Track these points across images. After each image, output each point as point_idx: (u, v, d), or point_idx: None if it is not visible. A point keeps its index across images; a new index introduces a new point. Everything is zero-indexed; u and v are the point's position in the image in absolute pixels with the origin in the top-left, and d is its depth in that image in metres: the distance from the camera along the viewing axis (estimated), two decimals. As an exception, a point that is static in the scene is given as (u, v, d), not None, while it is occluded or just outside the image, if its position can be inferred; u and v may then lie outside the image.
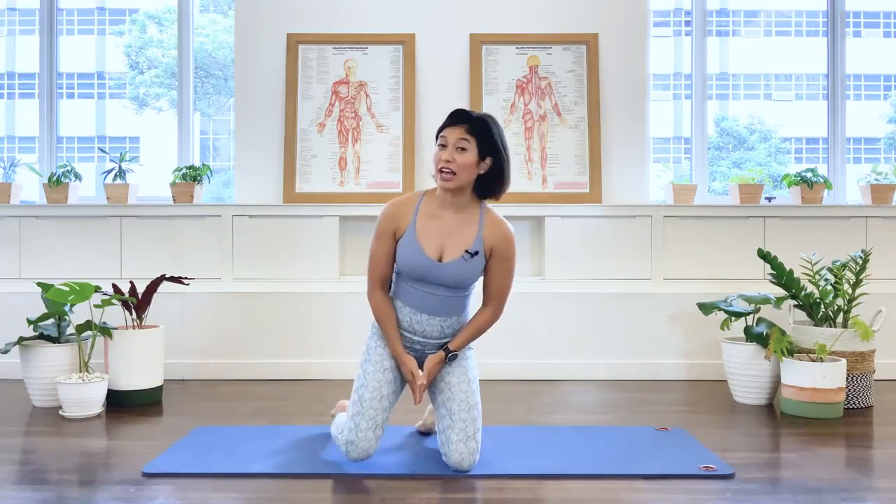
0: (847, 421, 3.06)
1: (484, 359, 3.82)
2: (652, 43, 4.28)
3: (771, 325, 3.33)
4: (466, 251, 2.33)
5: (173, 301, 3.82)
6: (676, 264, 3.98)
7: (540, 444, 2.63)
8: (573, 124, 4.15)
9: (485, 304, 2.45)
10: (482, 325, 2.44)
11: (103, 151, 4.36)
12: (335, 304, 3.87)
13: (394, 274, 2.46)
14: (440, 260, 2.34)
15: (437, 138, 2.36)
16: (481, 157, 2.33)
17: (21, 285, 3.87)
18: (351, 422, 2.34)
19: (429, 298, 2.37)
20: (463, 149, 2.30)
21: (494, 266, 2.39)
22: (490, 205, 2.48)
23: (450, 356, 2.39)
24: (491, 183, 2.40)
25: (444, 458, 2.35)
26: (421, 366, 2.42)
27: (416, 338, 2.42)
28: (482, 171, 2.36)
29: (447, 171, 2.31)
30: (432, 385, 2.42)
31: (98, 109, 5.13)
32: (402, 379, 2.43)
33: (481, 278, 2.44)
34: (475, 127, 2.32)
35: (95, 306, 3.26)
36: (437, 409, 2.41)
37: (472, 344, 2.50)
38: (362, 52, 4.18)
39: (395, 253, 2.39)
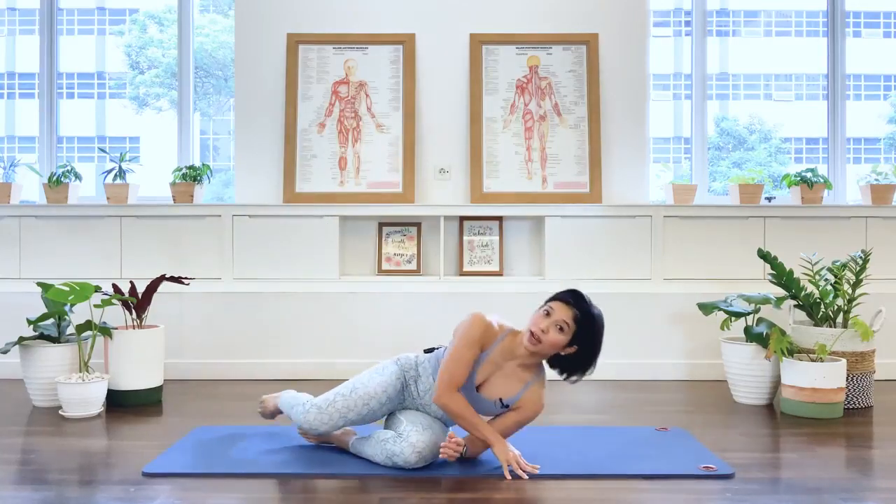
0: (847, 421, 3.06)
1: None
2: (652, 43, 4.28)
3: (771, 325, 3.33)
4: (500, 400, 2.43)
5: (173, 301, 3.82)
6: (676, 264, 3.98)
7: (540, 444, 2.63)
8: (573, 124, 4.15)
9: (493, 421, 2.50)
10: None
11: (103, 151, 4.36)
12: (335, 304, 3.87)
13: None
14: (479, 388, 2.44)
15: (545, 303, 2.40)
16: (570, 344, 2.38)
17: (21, 285, 3.87)
18: (330, 394, 2.49)
19: None
20: (561, 329, 2.35)
21: (512, 414, 2.45)
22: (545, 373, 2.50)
23: None
24: (567, 364, 2.45)
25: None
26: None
27: (422, 411, 2.54)
28: (563, 354, 2.41)
29: (537, 339, 2.36)
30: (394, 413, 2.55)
31: (98, 109, 5.13)
32: (389, 409, 2.52)
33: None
34: (583, 318, 2.36)
35: (95, 306, 3.26)
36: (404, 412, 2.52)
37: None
38: (362, 52, 4.18)
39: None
